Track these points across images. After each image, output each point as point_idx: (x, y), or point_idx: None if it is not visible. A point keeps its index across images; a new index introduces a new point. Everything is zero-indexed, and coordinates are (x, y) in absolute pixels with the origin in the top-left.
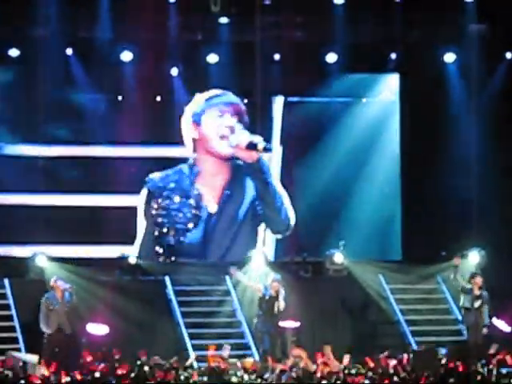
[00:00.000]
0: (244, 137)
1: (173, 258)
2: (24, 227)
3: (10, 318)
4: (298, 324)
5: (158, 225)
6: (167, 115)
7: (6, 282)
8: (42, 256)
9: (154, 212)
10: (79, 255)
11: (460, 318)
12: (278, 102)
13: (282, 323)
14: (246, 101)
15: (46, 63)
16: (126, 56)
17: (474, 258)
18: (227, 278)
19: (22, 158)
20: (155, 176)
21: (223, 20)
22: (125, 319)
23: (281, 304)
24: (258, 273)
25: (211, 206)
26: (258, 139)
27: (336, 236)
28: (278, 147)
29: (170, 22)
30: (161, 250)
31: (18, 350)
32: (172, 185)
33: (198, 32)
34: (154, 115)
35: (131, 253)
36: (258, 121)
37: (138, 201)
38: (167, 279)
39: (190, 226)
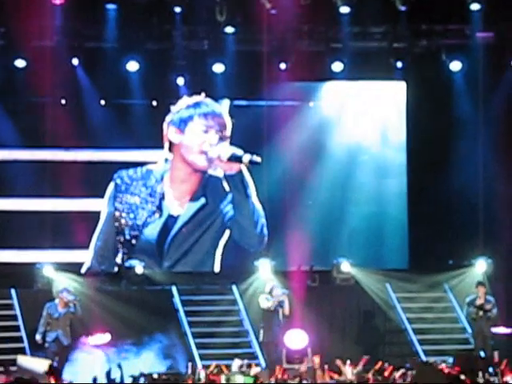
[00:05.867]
0: (226, 150)
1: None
2: (30, 232)
3: (16, 328)
4: (305, 343)
5: (118, 219)
6: None
7: (13, 292)
8: (49, 266)
9: (116, 206)
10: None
11: (466, 326)
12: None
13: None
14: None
15: (52, 73)
16: (132, 66)
17: (481, 266)
18: (234, 287)
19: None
20: (124, 172)
21: (229, 29)
22: (131, 329)
23: (285, 310)
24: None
25: (175, 208)
26: (241, 152)
27: (342, 245)
28: None
29: (175, 31)
30: (118, 245)
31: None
32: (139, 182)
33: (203, 41)
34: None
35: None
36: None
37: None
38: (174, 289)
39: (149, 223)
